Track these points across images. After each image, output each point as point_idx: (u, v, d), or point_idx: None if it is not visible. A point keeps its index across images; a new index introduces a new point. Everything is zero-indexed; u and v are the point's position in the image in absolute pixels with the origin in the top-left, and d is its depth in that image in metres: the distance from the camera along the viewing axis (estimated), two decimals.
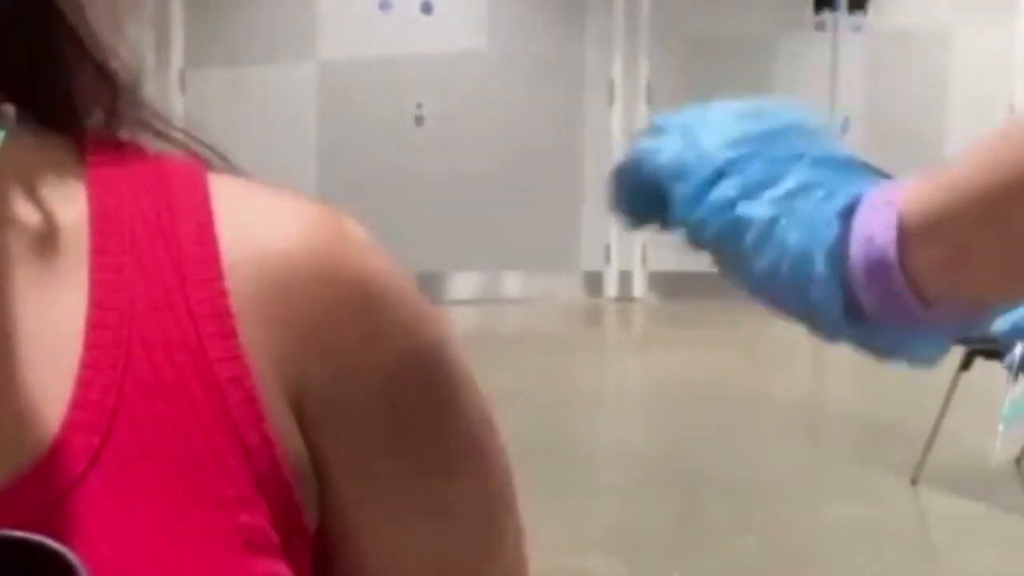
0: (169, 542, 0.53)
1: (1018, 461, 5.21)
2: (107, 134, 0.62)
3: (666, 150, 0.78)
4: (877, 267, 0.72)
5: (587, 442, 5.70)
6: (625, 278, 10.01)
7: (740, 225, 0.76)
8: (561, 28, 9.96)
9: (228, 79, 9.44)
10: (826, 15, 9.62)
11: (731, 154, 0.76)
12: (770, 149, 0.76)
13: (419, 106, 9.68)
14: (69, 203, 0.59)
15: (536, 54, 9.80)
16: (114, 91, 0.62)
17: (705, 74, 9.40)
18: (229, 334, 0.57)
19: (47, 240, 0.58)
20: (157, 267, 0.58)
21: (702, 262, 0.80)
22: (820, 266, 0.74)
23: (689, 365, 7.29)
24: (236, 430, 0.56)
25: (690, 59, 9.69)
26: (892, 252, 0.72)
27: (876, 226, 0.73)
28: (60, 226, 0.58)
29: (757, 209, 0.75)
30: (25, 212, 0.58)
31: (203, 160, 0.63)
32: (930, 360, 0.77)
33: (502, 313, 9.50)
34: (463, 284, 9.64)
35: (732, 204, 0.76)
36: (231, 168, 0.63)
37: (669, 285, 9.50)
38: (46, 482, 0.53)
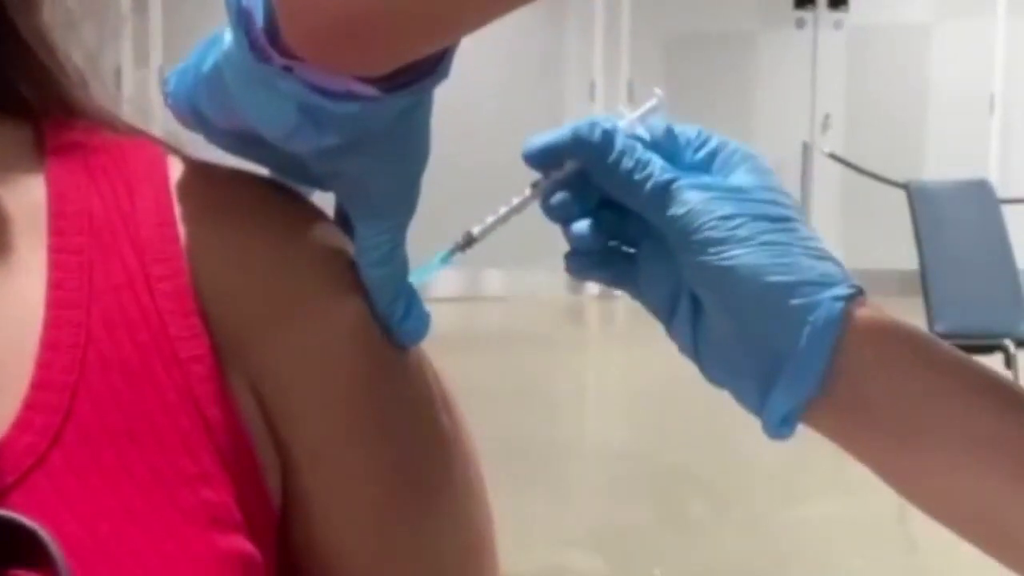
0: (132, 518, 0.54)
1: None
2: (67, 124, 0.62)
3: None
4: None
5: (569, 439, 5.70)
6: None
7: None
8: (542, 26, 9.96)
9: None
10: (807, 12, 9.64)
11: None
12: None
13: None
14: (26, 188, 0.59)
15: (517, 52, 9.80)
16: (64, 88, 0.62)
17: (686, 71, 9.42)
18: (190, 312, 0.57)
19: (3, 224, 0.58)
20: (116, 247, 0.58)
21: None
22: None
23: (671, 362, 7.26)
24: (198, 407, 0.56)
25: (671, 57, 9.70)
26: None
27: None
28: (16, 210, 0.58)
29: None
30: None
31: (162, 143, 0.63)
32: (276, 131, 0.56)
33: (483, 311, 9.50)
34: (444, 282, 9.64)
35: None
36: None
37: None
38: (7, 461, 0.53)
